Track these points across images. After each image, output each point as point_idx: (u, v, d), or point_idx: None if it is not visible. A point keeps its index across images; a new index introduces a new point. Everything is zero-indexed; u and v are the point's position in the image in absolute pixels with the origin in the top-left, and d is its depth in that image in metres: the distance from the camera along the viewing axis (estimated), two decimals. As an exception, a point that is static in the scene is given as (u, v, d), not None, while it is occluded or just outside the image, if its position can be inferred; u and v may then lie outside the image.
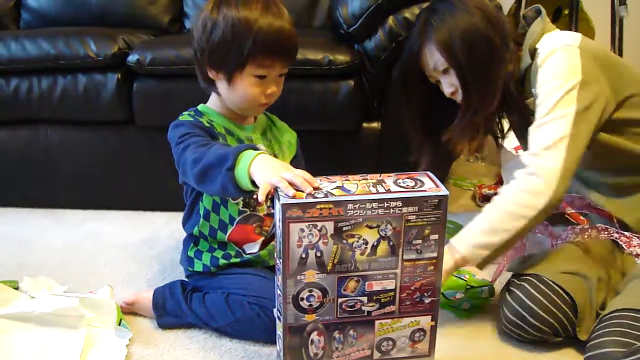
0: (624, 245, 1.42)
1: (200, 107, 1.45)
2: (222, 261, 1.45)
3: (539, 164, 1.32)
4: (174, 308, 1.44)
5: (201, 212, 1.44)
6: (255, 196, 1.13)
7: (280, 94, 1.41)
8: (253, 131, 1.46)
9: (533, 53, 1.42)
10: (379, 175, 1.17)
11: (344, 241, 1.11)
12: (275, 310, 1.20)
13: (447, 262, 1.32)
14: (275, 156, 1.45)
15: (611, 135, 1.41)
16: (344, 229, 1.10)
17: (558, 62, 1.36)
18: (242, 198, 1.41)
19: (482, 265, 1.36)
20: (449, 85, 1.45)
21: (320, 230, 1.09)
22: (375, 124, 1.96)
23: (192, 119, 1.40)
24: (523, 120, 1.46)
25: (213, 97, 1.45)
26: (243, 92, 1.36)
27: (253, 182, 1.14)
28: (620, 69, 1.42)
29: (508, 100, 1.44)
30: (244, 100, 1.38)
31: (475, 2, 1.42)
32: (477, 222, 1.35)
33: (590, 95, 1.33)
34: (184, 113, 1.43)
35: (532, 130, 1.36)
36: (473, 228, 1.35)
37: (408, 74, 1.53)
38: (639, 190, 1.47)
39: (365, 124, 1.95)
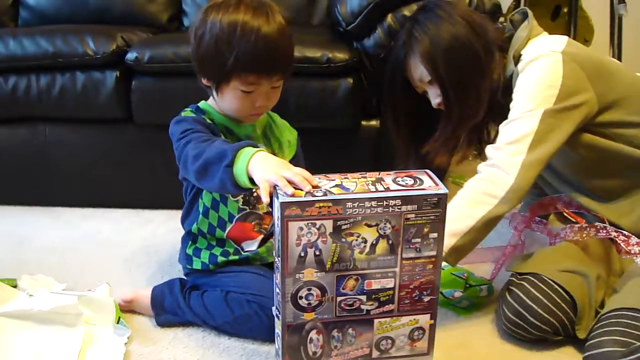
0: (622, 244, 1.41)
1: (201, 104, 1.45)
2: (220, 258, 1.44)
3: (499, 157, 1.33)
4: (172, 306, 1.43)
5: (200, 210, 1.44)
6: (255, 194, 1.12)
7: (276, 102, 1.40)
8: (253, 130, 1.45)
9: (518, 60, 1.40)
10: (378, 173, 1.17)
11: (343, 240, 1.11)
12: (274, 309, 1.20)
13: None
14: (275, 155, 1.44)
15: (599, 138, 1.40)
16: (343, 227, 1.10)
17: (539, 68, 1.34)
18: (242, 196, 1.41)
19: (451, 257, 1.32)
20: (436, 95, 1.44)
21: (319, 229, 1.09)
22: (374, 122, 1.95)
23: (194, 115, 1.40)
24: None
25: (212, 96, 1.44)
26: (230, 104, 1.36)
27: (251, 180, 1.14)
28: (608, 72, 1.39)
29: (494, 109, 1.43)
30: (232, 111, 1.38)
31: (460, 10, 1.40)
32: None
33: (570, 101, 1.32)
34: (185, 109, 1.43)
35: (501, 127, 1.36)
36: None
37: (393, 83, 1.51)
38: (630, 193, 1.46)
39: (364, 122, 1.95)
